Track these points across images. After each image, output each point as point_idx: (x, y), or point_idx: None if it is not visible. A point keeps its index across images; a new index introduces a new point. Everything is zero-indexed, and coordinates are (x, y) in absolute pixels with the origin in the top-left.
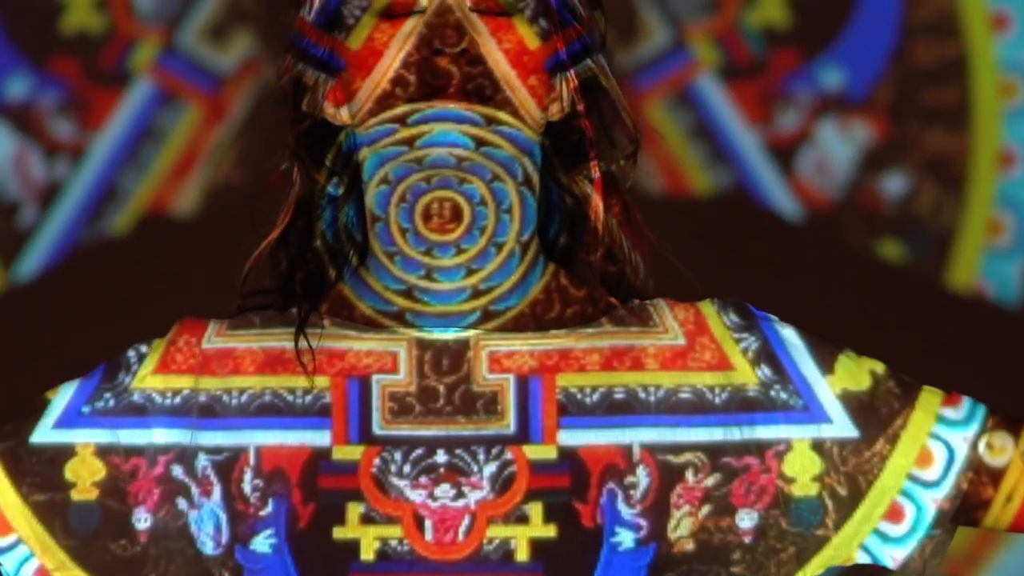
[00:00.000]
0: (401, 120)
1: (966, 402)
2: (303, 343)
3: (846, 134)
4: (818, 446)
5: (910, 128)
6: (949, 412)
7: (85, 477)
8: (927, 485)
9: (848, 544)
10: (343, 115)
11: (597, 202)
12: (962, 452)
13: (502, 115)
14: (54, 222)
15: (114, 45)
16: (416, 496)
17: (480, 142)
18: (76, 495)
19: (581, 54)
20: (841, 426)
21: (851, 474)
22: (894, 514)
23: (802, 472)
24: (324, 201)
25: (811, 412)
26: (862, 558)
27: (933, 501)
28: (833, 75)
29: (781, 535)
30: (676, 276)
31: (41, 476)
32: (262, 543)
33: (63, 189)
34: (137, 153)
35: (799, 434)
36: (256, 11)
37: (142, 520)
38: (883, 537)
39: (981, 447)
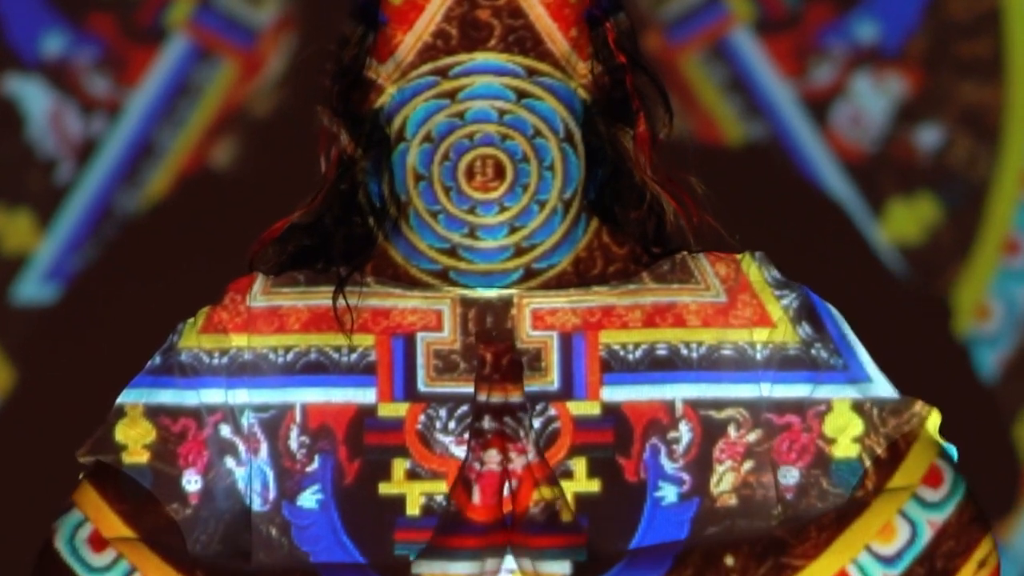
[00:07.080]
0: (443, 72)
1: None
2: (342, 303)
3: (880, 87)
4: (858, 407)
5: (944, 81)
6: None
7: (136, 439)
8: None
9: (886, 509)
10: (384, 72)
11: (639, 155)
12: None
13: (543, 66)
14: (91, 178)
15: (150, 2)
16: (461, 452)
17: (521, 94)
18: (127, 458)
19: (616, 5)
20: (880, 386)
21: (890, 435)
22: (933, 478)
23: (842, 433)
24: (366, 162)
25: (851, 371)
26: (900, 524)
27: None
28: (867, 28)
29: (822, 495)
30: (715, 229)
31: (92, 438)
32: (309, 499)
33: (100, 146)
34: (173, 109)
35: (839, 394)
36: None
37: (192, 482)
38: (921, 503)
39: None
